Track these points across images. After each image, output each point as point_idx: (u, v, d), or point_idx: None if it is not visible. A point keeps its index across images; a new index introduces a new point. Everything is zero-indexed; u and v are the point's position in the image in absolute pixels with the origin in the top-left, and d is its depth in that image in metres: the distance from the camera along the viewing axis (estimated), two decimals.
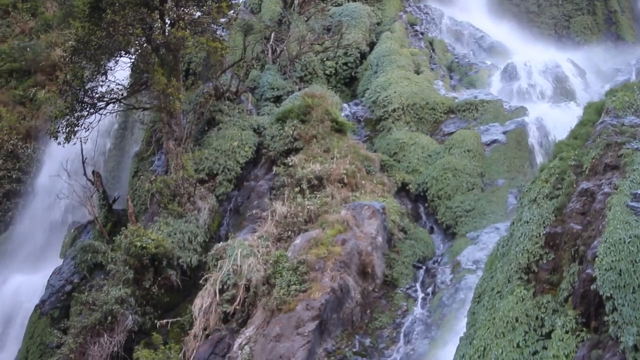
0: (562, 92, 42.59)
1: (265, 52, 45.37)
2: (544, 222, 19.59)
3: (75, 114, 35.49)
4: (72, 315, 31.69)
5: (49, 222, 41.87)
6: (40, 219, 42.15)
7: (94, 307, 29.68)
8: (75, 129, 35.45)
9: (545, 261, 18.97)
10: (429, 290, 29.25)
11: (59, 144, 36.20)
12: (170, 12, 35.91)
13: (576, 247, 18.13)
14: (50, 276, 35.32)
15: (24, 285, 38.36)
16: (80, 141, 35.69)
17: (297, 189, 32.83)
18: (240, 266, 29.43)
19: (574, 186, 19.79)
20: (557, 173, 20.62)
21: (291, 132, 35.79)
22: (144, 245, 30.38)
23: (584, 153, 20.58)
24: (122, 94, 37.14)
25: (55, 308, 33.75)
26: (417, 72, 44.55)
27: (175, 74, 35.87)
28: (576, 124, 23.14)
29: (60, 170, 36.51)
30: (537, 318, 17.92)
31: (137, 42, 35.48)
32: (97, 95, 36.24)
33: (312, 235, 29.81)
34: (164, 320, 30.28)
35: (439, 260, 31.32)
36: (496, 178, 34.96)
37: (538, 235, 19.43)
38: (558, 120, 35.95)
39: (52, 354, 30.96)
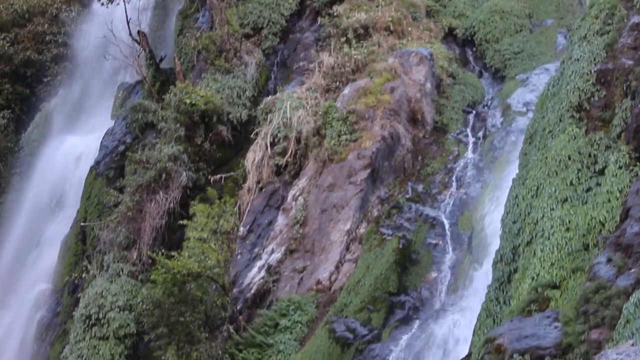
0: None
1: None
2: (594, 59, 19.27)
3: None
4: (127, 174, 32.13)
5: (97, 84, 42.03)
6: (89, 81, 42.30)
7: (148, 165, 30.04)
8: None
9: (596, 98, 18.76)
10: (480, 134, 29.19)
11: (102, 4, 36.03)
12: None
13: (628, 83, 17.87)
14: (103, 137, 35.67)
15: (78, 146, 38.78)
16: (124, 1, 35.46)
17: (343, 39, 32.53)
18: (290, 119, 29.52)
19: (625, 21, 19.34)
20: (607, 8, 20.14)
21: None
22: (194, 102, 30.48)
23: None
24: None
25: (110, 168, 34.24)
26: None
27: None
28: None
29: (106, 31, 36.37)
30: (589, 155, 17.85)
31: None
32: None
33: (361, 85, 29.71)
34: (218, 176, 30.63)
35: (488, 104, 31.12)
36: (544, 18, 34.34)
37: (589, 73, 19.15)
38: None
39: (110, 212, 31.54)
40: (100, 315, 27.75)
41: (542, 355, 13.28)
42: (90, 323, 27.80)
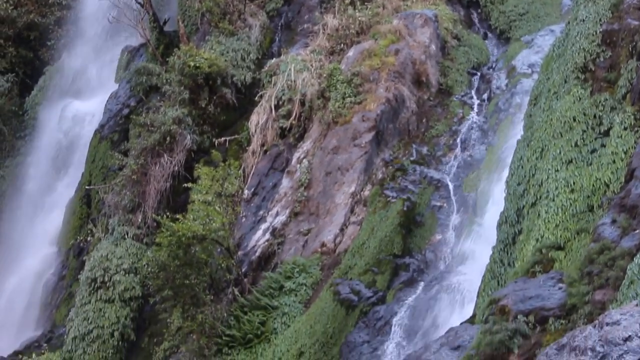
0: None
1: None
2: (600, 20, 19.14)
3: None
4: (131, 137, 32.11)
5: (101, 47, 41.84)
6: (93, 44, 42.12)
7: (152, 128, 30.04)
8: None
9: (602, 59, 18.65)
10: (485, 96, 29.10)
11: None
12: None
13: (634, 43, 17.78)
14: (107, 101, 35.59)
15: (82, 111, 38.75)
16: None
17: (347, 1, 32.26)
18: (294, 81, 29.44)
19: None
20: None
21: None
22: (198, 64, 30.39)
23: None
24: None
25: (115, 132, 34.18)
26: None
27: None
28: None
29: None
30: (594, 116, 17.79)
31: None
32: None
33: (365, 47, 29.61)
34: (222, 139, 30.64)
35: (493, 66, 31.00)
36: None
37: (594, 33, 19.03)
38: None
39: (115, 176, 31.57)
40: (106, 278, 27.89)
41: (546, 316, 13.30)
42: (96, 286, 27.94)
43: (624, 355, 9.06)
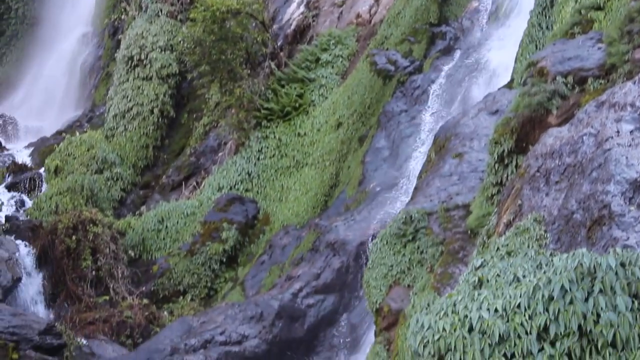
0: None
1: None
2: None
3: None
4: None
5: None
6: None
7: None
8: None
9: None
10: None
11: None
12: None
13: None
14: None
15: None
16: None
17: None
18: None
19: None
20: None
21: None
22: None
23: None
24: None
25: None
26: None
27: None
28: None
29: None
30: None
31: None
32: None
33: None
34: None
35: None
36: None
37: None
38: None
39: None
40: (142, 56, 28.00)
41: (585, 77, 13.22)
42: (133, 64, 28.10)
43: None
